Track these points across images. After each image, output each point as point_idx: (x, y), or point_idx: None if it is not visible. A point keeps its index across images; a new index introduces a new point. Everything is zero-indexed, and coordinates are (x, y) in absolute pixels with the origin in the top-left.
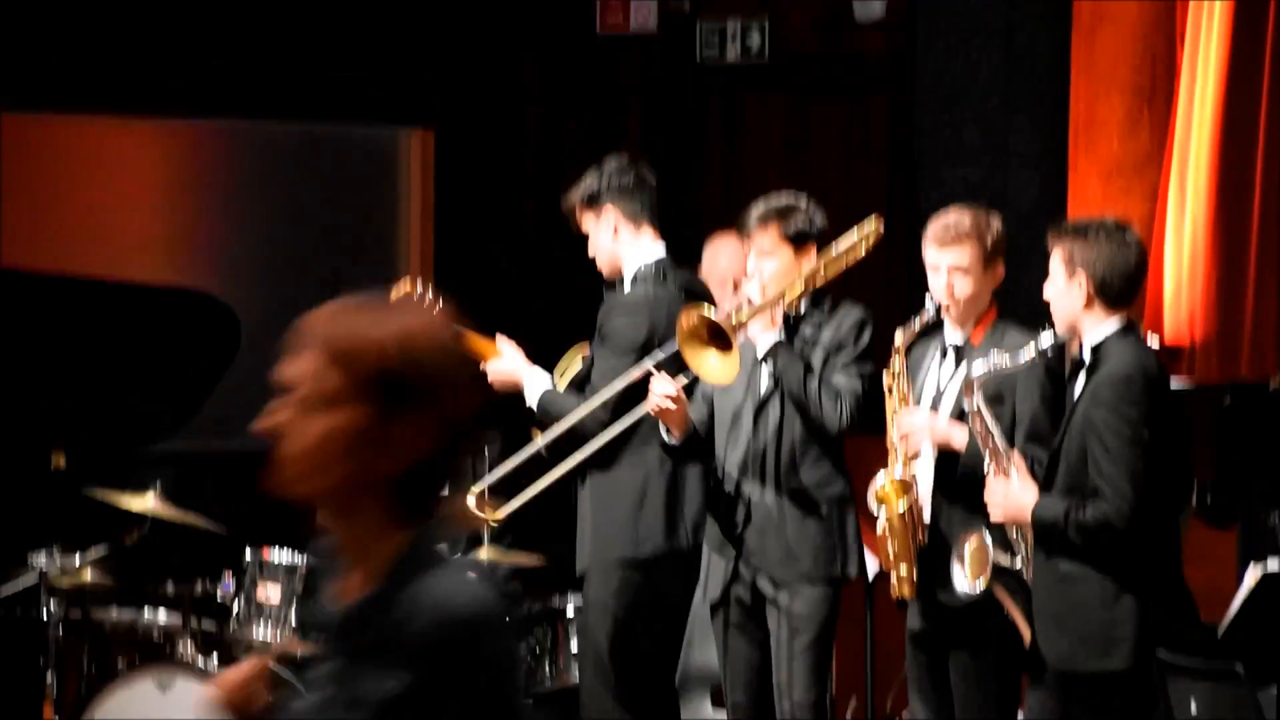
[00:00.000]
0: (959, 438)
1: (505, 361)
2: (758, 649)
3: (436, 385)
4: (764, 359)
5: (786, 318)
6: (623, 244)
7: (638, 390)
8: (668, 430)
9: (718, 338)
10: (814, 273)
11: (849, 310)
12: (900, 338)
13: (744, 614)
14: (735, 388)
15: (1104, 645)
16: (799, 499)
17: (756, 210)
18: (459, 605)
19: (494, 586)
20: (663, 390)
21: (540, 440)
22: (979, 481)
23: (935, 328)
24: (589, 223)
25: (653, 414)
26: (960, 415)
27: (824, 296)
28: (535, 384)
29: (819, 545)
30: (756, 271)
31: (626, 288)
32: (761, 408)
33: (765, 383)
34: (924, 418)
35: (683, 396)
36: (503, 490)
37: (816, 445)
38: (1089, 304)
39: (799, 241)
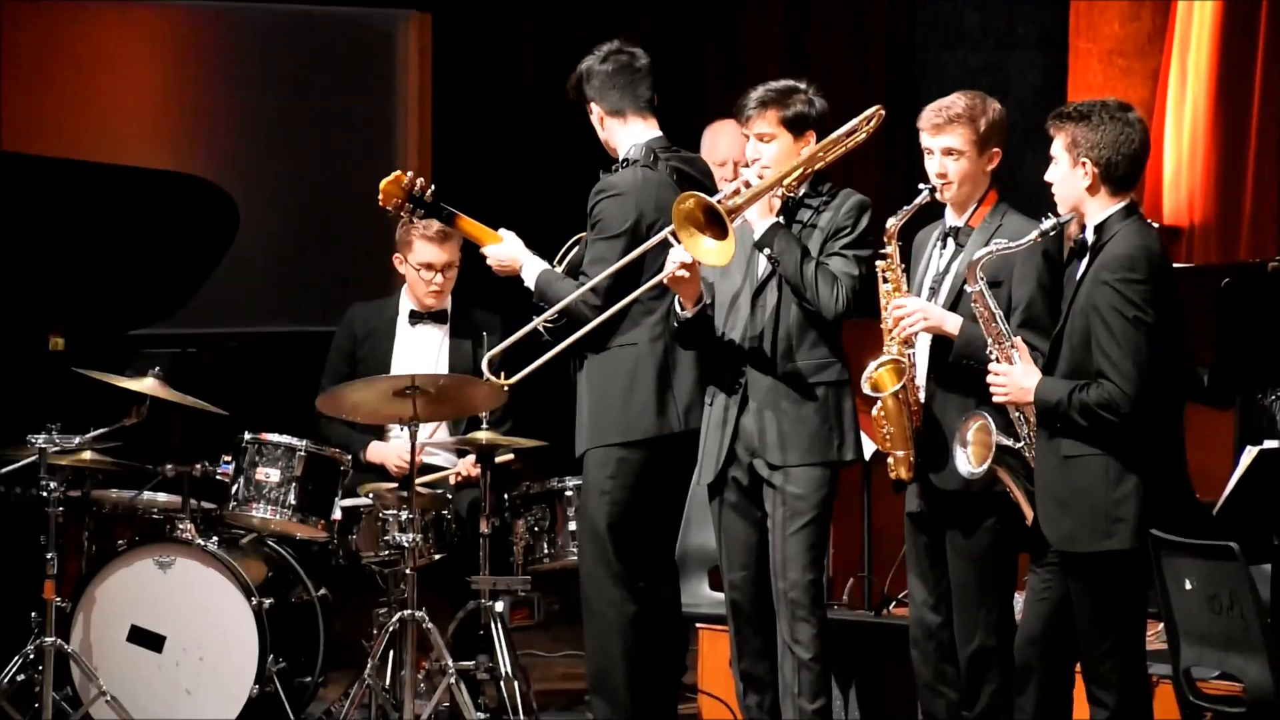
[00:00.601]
0: (952, 323)
1: (505, 247)
2: (755, 530)
3: None
4: (759, 244)
5: (785, 202)
6: (612, 132)
7: (630, 274)
8: (680, 304)
9: (714, 221)
10: (813, 157)
11: (848, 195)
12: (892, 222)
13: (741, 495)
14: (733, 272)
15: (1107, 525)
16: (796, 382)
17: (755, 94)
18: None
19: None
20: (679, 258)
21: (539, 320)
22: (973, 366)
23: (938, 214)
24: (590, 110)
25: (666, 283)
26: (958, 299)
27: (823, 182)
28: (533, 267)
29: (815, 428)
30: (755, 156)
31: (616, 171)
32: (759, 292)
33: (763, 267)
34: (917, 303)
35: (697, 267)
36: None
37: (814, 329)
38: (1094, 188)
39: (798, 126)
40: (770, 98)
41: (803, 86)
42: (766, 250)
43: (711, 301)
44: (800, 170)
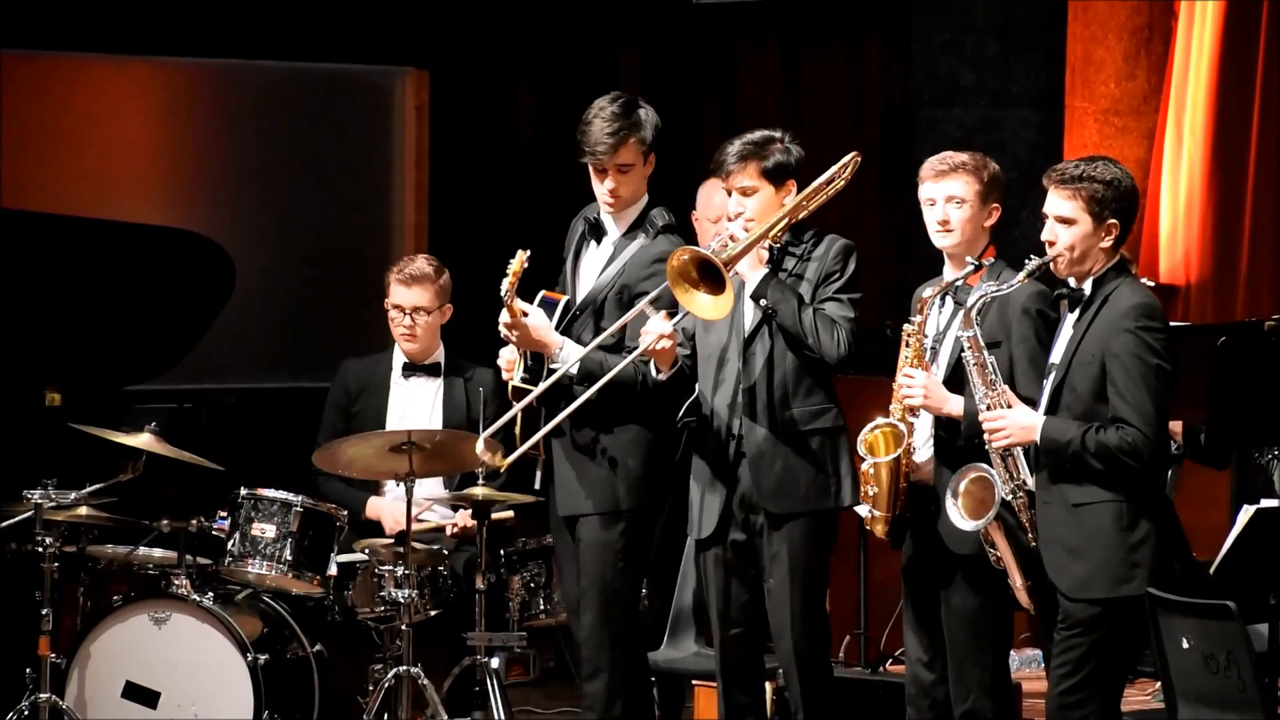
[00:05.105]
0: (954, 405)
1: (534, 320)
2: (748, 588)
3: None
4: (754, 295)
5: (770, 251)
6: (645, 184)
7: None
8: (656, 369)
9: (708, 276)
10: (797, 206)
11: (833, 240)
12: (929, 293)
13: (736, 553)
14: (718, 325)
15: (1125, 570)
16: (791, 431)
17: (733, 149)
18: None
19: None
20: (659, 330)
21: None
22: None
23: (934, 270)
24: (636, 161)
25: (647, 353)
26: (959, 362)
27: (804, 230)
28: (573, 348)
29: (812, 476)
30: (738, 210)
31: (651, 236)
32: (749, 342)
33: (751, 317)
34: (923, 378)
35: (675, 334)
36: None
37: (808, 377)
38: (1111, 247)
39: (778, 176)
40: (749, 150)
41: (778, 135)
42: (762, 301)
43: (691, 357)
44: (786, 220)
